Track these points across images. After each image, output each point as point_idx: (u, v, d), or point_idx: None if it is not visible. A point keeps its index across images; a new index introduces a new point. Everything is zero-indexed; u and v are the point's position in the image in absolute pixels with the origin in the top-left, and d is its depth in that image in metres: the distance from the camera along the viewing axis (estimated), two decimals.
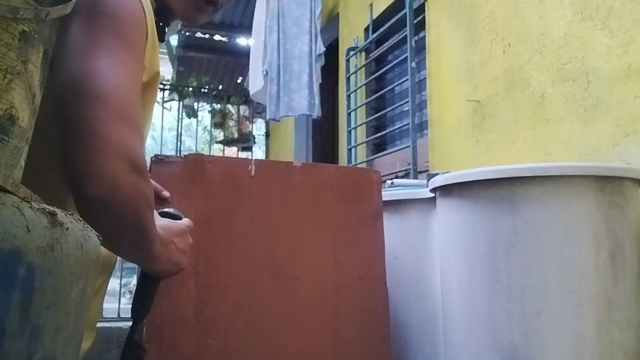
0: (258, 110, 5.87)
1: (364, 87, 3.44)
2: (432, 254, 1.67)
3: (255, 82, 3.96)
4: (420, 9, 2.79)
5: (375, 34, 3.19)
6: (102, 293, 0.89)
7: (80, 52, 0.59)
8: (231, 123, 6.07)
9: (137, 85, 0.64)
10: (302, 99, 3.53)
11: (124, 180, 0.59)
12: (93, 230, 0.51)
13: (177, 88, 5.90)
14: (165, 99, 5.77)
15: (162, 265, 0.81)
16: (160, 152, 4.68)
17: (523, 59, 2.00)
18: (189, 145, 8.12)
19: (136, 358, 0.90)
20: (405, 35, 2.78)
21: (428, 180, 1.61)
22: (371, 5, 3.34)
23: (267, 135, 6.29)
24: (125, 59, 0.62)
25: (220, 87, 6.86)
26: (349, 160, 3.41)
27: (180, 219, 0.88)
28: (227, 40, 6.19)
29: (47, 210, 0.42)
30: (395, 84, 3.06)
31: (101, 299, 0.89)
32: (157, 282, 0.88)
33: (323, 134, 4.50)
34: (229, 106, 6.07)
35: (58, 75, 0.60)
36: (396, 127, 3.04)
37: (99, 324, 2.72)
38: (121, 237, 0.67)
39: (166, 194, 1.30)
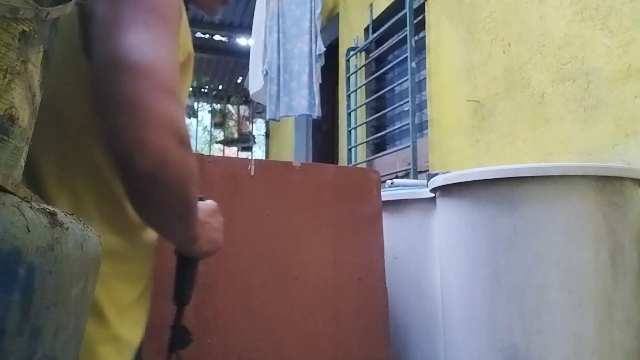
0: (258, 110, 5.87)
1: (364, 87, 3.44)
2: (432, 254, 1.67)
3: (255, 82, 3.96)
4: (420, 9, 2.79)
5: (375, 34, 3.19)
6: (150, 286, 0.84)
7: (118, 28, 0.58)
8: (231, 123, 6.08)
9: (176, 60, 0.64)
10: (302, 99, 3.53)
11: (172, 154, 0.57)
12: (93, 230, 0.51)
13: None
14: None
15: (202, 246, 0.81)
16: None
17: (523, 59, 2.00)
18: None
19: (184, 343, 0.90)
20: (405, 35, 2.78)
21: (428, 180, 1.61)
22: (371, 5, 3.34)
23: (267, 135, 6.29)
24: (163, 33, 0.61)
25: (220, 87, 6.86)
26: (349, 160, 3.41)
27: (203, 200, 0.87)
28: (227, 40, 6.19)
29: (47, 210, 0.42)
30: (395, 84, 3.06)
31: (149, 293, 0.84)
32: (196, 264, 0.88)
33: (323, 134, 4.49)
34: (229, 106, 6.07)
35: (97, 54, 0.59)
36: (396, 127, 3.04)
37: None
38: (169, 215, 0.66)
39: None
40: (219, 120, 6.01)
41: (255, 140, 6.33)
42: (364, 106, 3.40)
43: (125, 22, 0.58)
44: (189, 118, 6.10)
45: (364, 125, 3.38)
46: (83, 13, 0.61)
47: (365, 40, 3.42)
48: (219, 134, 6.32)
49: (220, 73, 6.80)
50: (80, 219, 0.49)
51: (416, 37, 2.77)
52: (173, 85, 0.60)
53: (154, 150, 0.55)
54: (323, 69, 3.60)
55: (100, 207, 0.68)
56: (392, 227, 1.72)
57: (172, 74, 0.60)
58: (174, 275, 0.89)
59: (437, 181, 1.48)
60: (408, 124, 2.70)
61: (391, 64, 3.10)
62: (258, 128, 6.61)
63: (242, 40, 6.06)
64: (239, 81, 6.79)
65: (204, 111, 6.21)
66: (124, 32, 0.57)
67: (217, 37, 6.10)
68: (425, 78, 2.75)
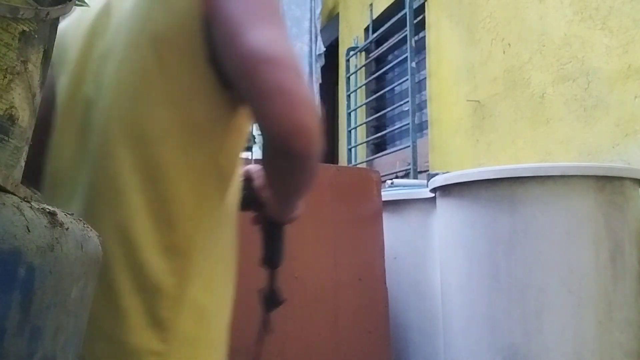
0: None
1: (364, 87, 3.44)
2: (432, 254, 1.67)
3: None
4: (420, 9, 2.79)
5: (375, 34, 3.19)
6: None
7: (250, 26, 0.63)
8: None
9: None
10: None
11: (317, 134, 0.63)
12: (93, 230, 0.51)
13: None
14: None
15: (295, 212, 0.89)
16: None
17: (523, 59, 2.00)
18: None
19: (277, 305, 0.96)
20: (405, 35, 2.78)
21: (428, 180, 1.61)
22: (371, 5, 3.34)
23: None
24: (283, 28, 0.68)
25: None
26: (349, 160, 3.41)
27: None
28: None
29: (47, 210, 0.42)
30: (395, 84, 3.06)
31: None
32: (284, 230, 0.94)
33: (323, 134, 4.48)
34: None
35: (232, 50, 0.64)
36: (396, 127, 3.04)
37: None
38: (303, 187, 0.73)
39: None
40: None
41: (256, 140, 6.32)
42: (364, 106, 3.40)
43: (254, 19, 0.64)
44: None
45: (364, 125, 3.38)
46: (205, 20, 0.66)
47: (365, 40, 3.42)
48: None
49: None
50: (80, 218, 0.49)
51: (416, 37, 2.77)
52: (303, 73, 0.66)
53: (308, 131, 0.61)
54: (323, 69, 3.60)
55: (222, 206, 0.73)
56: (392, 227, 1.72)
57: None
58: (263, 241, 0.93)
59: (437, 181, 1.48)
60: (408, 124, 2.70)
61: (391, 64, 3.10)
62: (258, 128, 6.59)
63: None
64: None
65: None
66: (257, 29, 0.63)
67: None
68: (425, 78, 2.75)
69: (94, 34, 0.75)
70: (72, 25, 0.80)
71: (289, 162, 0.64)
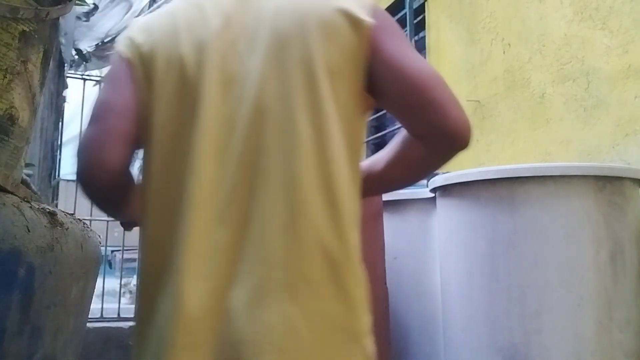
0: None
1: None
2: (432, 254, 1.67)
3: None
4: (420, 9, 2.79)
5: None
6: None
7: (411, 57, 0.83)
8: None
9: None
10: None
11: None
12: (94, 231, 0.51)
13: None
14: None
15: None
16: None
17: (523, 59, 2.00)
18: None
19: None
20: (405, 36, 2.78)
21: (428, 180, 1.61)
22: None
23: None
24: None
25: None
26: None
27: None
28: None
29: (47, 210, 0.42)
30: None
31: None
32: None
33: None
34: None
35: (399, 75, 0.81)
36: (396, 127, 3.03)
37: (98, 324, 2.61)
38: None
39: None
40: None
41: None
42: None
43: (408, 52, 0.84)
44: None
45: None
46: (368, 57, 0.81)
47: None
48: None
49: None
50: (80, 218, 0.49)
51: (416, 37, 2.77)
52: None
53: (469, 123, 0.81)
54: None
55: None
56: (392, 227, 1.72)
57: None
58: None
59: (437, 181, 1.48)
60: None
61: None
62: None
63: None
64: None
65: None
66: (414, 58, 0.83)
67: None
68: None
69: (227, 55, 0.81)
70: (180, 46, 0.82)
71: (459, 148, 0.82)
